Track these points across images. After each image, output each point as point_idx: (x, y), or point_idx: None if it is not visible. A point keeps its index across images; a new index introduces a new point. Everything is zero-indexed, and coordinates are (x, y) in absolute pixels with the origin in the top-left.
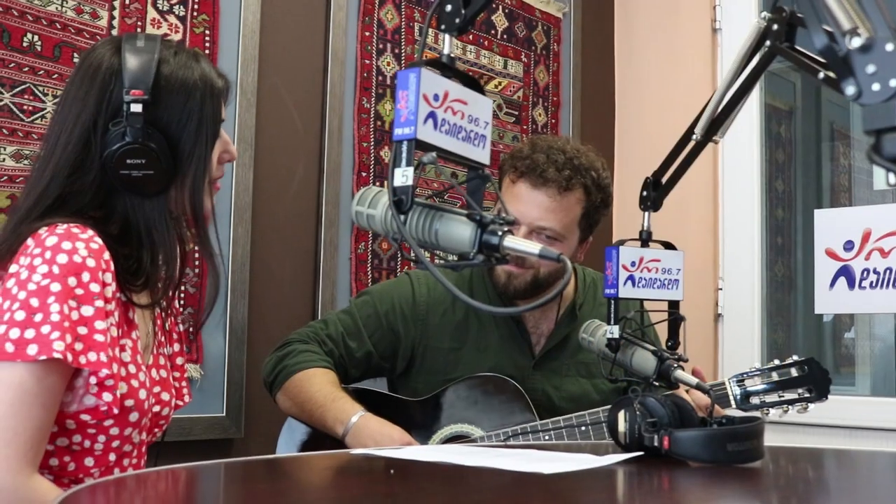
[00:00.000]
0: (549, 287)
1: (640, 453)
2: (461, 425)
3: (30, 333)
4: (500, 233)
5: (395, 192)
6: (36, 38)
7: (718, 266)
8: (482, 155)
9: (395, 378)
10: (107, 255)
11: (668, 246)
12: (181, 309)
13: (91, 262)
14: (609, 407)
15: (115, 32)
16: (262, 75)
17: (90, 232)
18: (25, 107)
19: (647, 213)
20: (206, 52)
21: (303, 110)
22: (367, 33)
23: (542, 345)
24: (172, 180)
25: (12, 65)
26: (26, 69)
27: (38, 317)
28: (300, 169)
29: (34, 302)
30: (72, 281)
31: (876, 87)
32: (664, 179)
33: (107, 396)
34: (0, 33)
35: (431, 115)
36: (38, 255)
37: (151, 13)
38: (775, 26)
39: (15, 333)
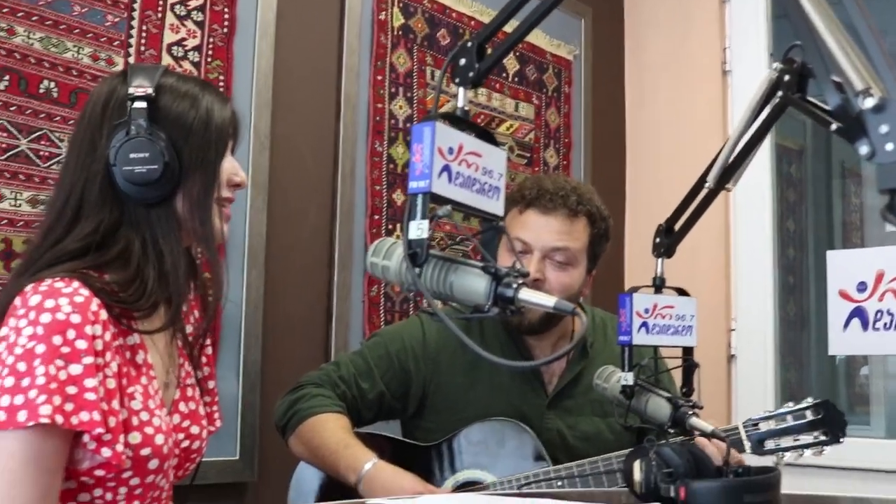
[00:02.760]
0: (558, 321)
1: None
2: (473, 471)
3: (19, 399)
4: (514, 285)
5: (411, 245)
6: (52, 84)
7: (731, 307)
8: (496, 206)
9: (408, 420)
10: (94, 306)
11: (682, 292)
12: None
13: (76, 318)
14: (621, 453)
15: None
16: (275, 120)
17: (75, 283)
18: (42, 152)
19: (660, 260)
20: None
21: (316, 154)
22: (379, 77)
23: (555, 384)
24: (178, 186)
25: (28, 111)
26: (42, 115)
27: (26, 381)
28: (313, 212)
29: (21, 366)
30: (57, 340)
31: (889, 146)
32: (677, 226)
33: (106, 452)
34: (17, 80)
35: (446, 168)
36: (24, 317)
37: (166, 59)
38: (787, 77)
39: (5, 401)
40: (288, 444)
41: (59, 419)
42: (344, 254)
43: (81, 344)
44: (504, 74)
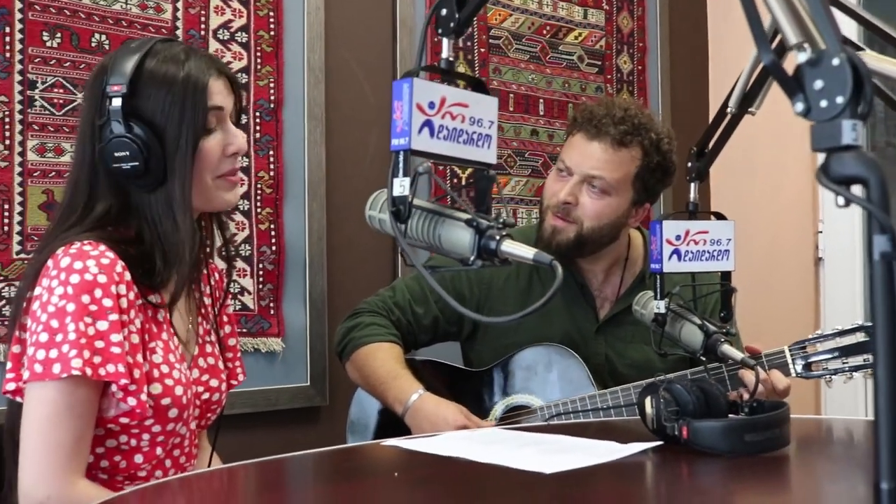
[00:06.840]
0: (594, 246)
1: (661, 442)
2: (523, 395)
3: (53, 353)
4: (497, 237)
5: (394, 203)
6: (104, 37)
7: (818, 208)
8: (487, 155)
9: (464, 341)
10: (119, 267)
11: (719, 216)
12: (261, 286)
13: (102, 278)
14: (667, 378)
15: (179, 24)
16: (329, 51)
17: (102, 247)
18: None
19: (693, 185)
20: (272, 33)
21: (373, 81)
22: None
23: (607, 309)
24: (169, 172)
25: (83, 66)
26: None
27: (59, 337)
28: (373, 139)
29: (54, 323)
30: (85, 298)
31: (824, 103)
32: (707, 150)
33: (132, 401)
34: (69, 36)
35: (427, 123)
36: (55, 277)
37: (215, 1)
38: None
39: (41, 355)
40: (345, 369)
41: (89, 371)
42: None
43: (107, 302)
44: None
